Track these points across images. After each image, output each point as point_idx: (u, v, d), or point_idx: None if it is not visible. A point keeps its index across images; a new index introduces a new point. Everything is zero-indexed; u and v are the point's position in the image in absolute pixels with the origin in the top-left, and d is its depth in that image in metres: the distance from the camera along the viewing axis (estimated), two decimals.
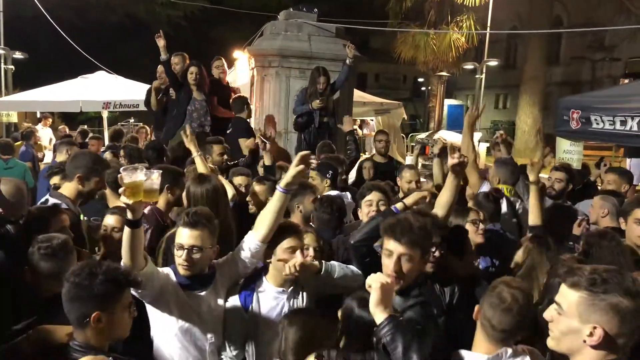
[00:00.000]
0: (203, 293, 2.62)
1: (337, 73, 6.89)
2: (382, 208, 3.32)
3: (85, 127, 12.82)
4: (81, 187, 3.53)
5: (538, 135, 22.13)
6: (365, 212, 3.41)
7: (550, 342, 1.73)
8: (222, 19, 24.79)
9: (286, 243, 2.65)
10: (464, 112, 29.89)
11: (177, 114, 6.63)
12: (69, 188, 3.56)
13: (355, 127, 16.63)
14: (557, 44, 28.07)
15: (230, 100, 6.76)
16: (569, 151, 6.74)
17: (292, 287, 2.71)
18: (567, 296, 1.65)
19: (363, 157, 7.00)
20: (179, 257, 2.54)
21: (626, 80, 16.96)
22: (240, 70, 9.85)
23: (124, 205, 2.35)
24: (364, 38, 28.37)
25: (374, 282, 1.94)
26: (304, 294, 2.75)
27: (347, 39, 7.84)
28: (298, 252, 2.63)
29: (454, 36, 18.99)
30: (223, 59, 7.56)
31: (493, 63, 19.75)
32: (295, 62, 7.34)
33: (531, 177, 3.72)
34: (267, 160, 4.98)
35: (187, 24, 26.82)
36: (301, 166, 2.58)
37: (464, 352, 2.17)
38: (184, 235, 2.53)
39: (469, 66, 19.85)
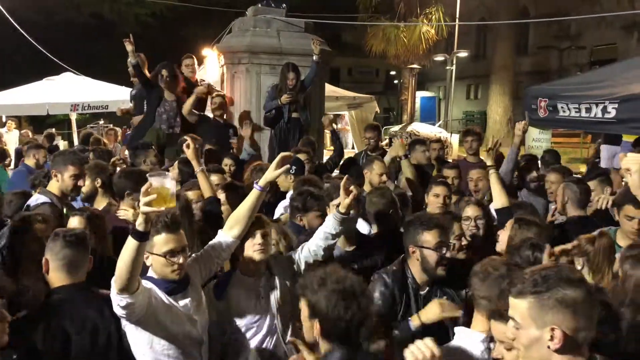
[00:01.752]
0: (187, 297, 2.57)
1: (307, 68, 6.88)
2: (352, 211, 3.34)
3: (53, 130, 12.50)
4: (57, 182, 3.76)
5: (509, 124, 22.49)
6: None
7: None
8: (191, 17, 24.46)
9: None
10: (436, 104, 30.29)
11: (149, 113, 6.54)
12: (52, 185, 3.80)
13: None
14: (525, 34, 28.52)
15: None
16: (538, 139, 6.91)
17: (264, 277, 2.81)
18: (518, 307, 1.63)
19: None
20: (175, 262, 2.45)
21: None
22: (209, 68, 9.74)
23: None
24: (335, 32, 28.34)
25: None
26: (278, 282, 2.83)
27: (316, 33, 7.82)
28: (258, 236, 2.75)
29: (423, 28, 19.11)
30: (193, 57, 7.48)
31: (463, 54, 19.95)
32: (265, 58, 7.29)
33: (488, 162, 3.77)
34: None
35: (155, 22, 26.40)
36: (283, 168, 2.70)
37: (463, 329, 2.30)
38: (172, 240, 2.45)
39: (439, 58, 20.02)
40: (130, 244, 2.17)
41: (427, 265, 2.77)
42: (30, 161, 5.98)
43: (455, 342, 2.28)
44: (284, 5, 7.78)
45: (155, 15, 26.33)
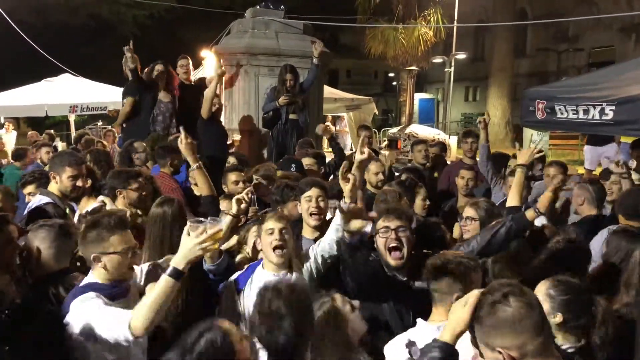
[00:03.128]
0: (129, 307, 2.32)
1: (306, 70, 6.89)
2: (322, 204, 3.36)
3: (52, 131, 12.49)
4: (56, 184, 3.76)
5: (508, 127, 22.51)
6: (305, 207, 3.37)
7: None
8: (190, 18, 24.47)
9: (265, 226, 2.84)
10: (434, 106, 30.32)
11: (144, 118, 6.54)
12: (52, 187, 3.81)
13: (328, 123, 16.72)
14: (523, 36, 28.55)
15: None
16: (535, 141, 6.94)
17: (285, 271, 2.81)
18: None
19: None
20: (126, 259, 2.45)
21: None
22: (208, 70, 9.74)
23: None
24: (334, 34, 28.41)
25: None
26: (296, 275, 2.83)
27: (315, 35, 7.84)
28: (276, 233, 2.80)
29: (422, 30, 19.13)
30: (188, 58, 7.45)
31: (461, 56, 19.98)
32: (264, 59, 7.30)
33: (522, 160, 3.67)
34: None
35: (153, 24, 26.39)
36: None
37: (420, 322, 2.39)
38: (127, 238, 2.47)
39: (437, 60, 20.03)
40: (169, 283, 2.09)
41: (381, 253, 2.85)
42: (45, 157, 6.08)
43: (414, 330, 2.36)
44: (283, 7, 7.81)
45: (153, 17, 26.32)
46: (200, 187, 3.75)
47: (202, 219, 2.22)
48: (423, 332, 2.24)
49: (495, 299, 1.61)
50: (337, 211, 2.88)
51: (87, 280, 2.46)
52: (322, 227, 3.25)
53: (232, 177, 4.36)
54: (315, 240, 3.16)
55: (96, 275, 2.45)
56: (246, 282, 2.82)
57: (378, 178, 4.64)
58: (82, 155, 4.44)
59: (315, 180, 3.66)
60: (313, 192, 3.37)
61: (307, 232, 3.39)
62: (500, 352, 1.57)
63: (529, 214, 2.91)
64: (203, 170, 3.68)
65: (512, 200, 3.49)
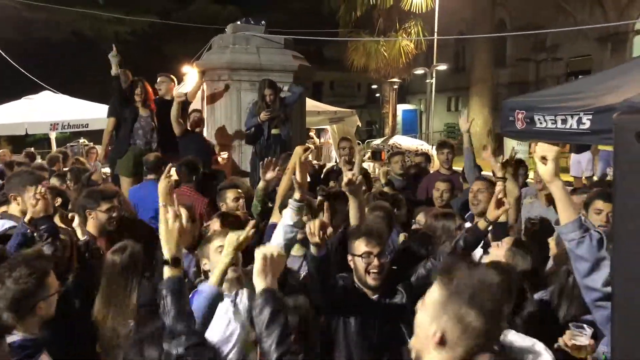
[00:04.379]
0: None
1: (287, 84, 6.92)
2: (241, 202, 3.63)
3: (32, 149, 12.32)
4: (17, 205, 3.61)
5: (489, 136, 22.77)
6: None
7: (412, 339, 1.68)
8: (171, 34, 24.51)
9: (216, 243, 2.75)
10: (417, 117, 30.57)
11: (124, 132, 6.51)
12: (13, 208, 3.66)
13: (312, 134, 16.75)
14: (502, 47, 28.98)
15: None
16: (516, 151, 7.00)
17: (236, 289, 2.75)
18: (432, 290, 1.63)
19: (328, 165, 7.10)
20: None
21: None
22: (190, 85, 9.72)
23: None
24: (317, 47, 28.59)
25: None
26: (245, 293, 2.78)
27: (297, 48, 7.87)
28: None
29: (403, 43, 19.35)
30: (165, 75, 7.41)
31: (442, 67, 20.24)
32: (245, 74, 7.31)
33: (500, 174, 3.79)
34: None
35: (135, 39, 26.36)
36: None
37: None
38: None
39: (419, 71, 20.28)
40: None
41: (358, 273, 2.85)
42: None
43: None
44: (264, 22, 7.83)
45: (135, 33, 26.30)
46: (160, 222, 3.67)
47: None
48: None
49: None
50: (285, 212, 2.94)
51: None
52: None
53: (230, 194, 4.32)
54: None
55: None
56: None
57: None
58: (42, 174, 4.35)
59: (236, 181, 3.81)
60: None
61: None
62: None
63: (481, 223, 2.95)
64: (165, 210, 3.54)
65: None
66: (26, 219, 3.06)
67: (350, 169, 4.31)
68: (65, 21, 25.02)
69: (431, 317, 1.55)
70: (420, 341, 1.58)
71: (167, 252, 2.08)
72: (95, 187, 4.36)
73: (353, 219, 3.23)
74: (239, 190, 4.36)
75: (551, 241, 3.53)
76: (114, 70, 6.43)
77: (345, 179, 3.16)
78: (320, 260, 2.67)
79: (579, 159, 7.75)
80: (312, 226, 2.59)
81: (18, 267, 2.28)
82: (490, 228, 3.70)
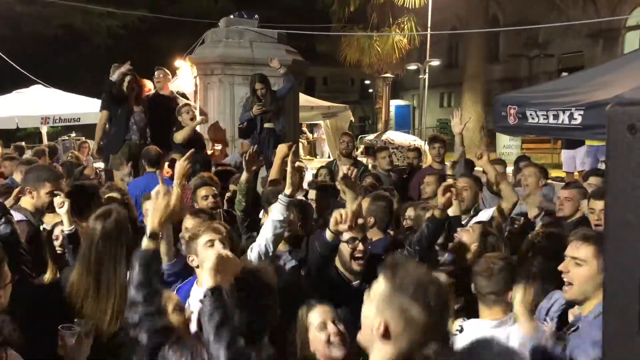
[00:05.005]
0: None
1: (281, 79, 6.90)
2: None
3: (23, 143, 12.23)
4: (32, 199, 3.59)
5: (482, 132, 22.84)
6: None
7: (359, 334, 1.69)
8: (164, 28, 24.32)
9: (204, 238, 2.67)
10: (410, 112, 30.61)
11: (118, 128, 6.48)
12: (26, 201, 3.63)
13: (305, 129, 16.76)
14: (495, 43, 29.07)
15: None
16: (509, 146, 7.06)
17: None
18: (378, 284, 1.63)
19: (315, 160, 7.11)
20: None
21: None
22: (183, 79, 9.69)
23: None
24: (310, 42, 28.52)
25: (217, 250, 1.96)
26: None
27: (290, 44, 7.87)
28: (217, 243, 2.57)
29: (396, 38, 19.34)
30: (163, 69, 7.42)
31: (435, 63, 20.23)
32: (238, 68, 7.30)
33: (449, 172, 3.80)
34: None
35: (127, 33, 26.16)
36: None
37: (471, 320, 2.49)
38: None
39: (412, 67, 20.26)
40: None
41: (343, 259, 2.92)
42: (17, 176, 5.69)
43: (467, 333, 2.42)
44: (257, 16, 7.82)
45: (127, 27, 26.09)
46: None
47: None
48: (479, 329, 2.37)
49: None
50: (274, 207, 2.96)
51: None
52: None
53: (202, 192, 4.20)
54: None
55: None
56: (185, 299, 2.69)
57: None
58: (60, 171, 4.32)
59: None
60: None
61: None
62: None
63: (436, 212, 3.06)
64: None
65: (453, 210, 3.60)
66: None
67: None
68: (57, 15, 24.79)
69: (376, 309, 1.57)
70: (366, 334, 1.60)
71: (149, 225, 2.12)
72: (85, 183, 4.32)
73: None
74: (212, 188, 4.27)
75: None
76: (113, 77, 6.37)
77: (340, 173, 3.17)
78: (333, 247, 2.76)
79: (573, 154, 7.79)
80: (343, 214, 2.66)
81: None
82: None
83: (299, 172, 3.12)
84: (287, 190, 2.95)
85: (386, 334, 1.54)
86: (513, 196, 4.04)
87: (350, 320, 2.72)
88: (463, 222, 3.92)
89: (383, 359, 1.57)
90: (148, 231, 2.11)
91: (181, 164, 3.29)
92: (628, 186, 1.20)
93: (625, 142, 1.17)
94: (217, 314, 1.77)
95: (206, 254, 2.46)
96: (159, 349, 1.91)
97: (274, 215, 2.93)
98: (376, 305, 1.58)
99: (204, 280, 1.89)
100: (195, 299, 2.44)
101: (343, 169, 3.21)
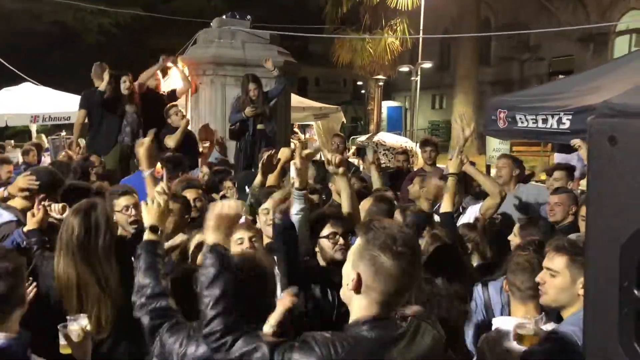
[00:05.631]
0: None
1: (273, 80, 6.90)
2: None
3: (12, 142, 12.16)
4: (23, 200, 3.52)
5: (473, 134, 22.93)
6: (263, 220, 3.32)
7: (341, 291, 1.76)
8: (156, 27, 24.23)
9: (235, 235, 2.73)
10: (402, 114, 30.69)
11: (109, 129, 6.45)
12: (17, 202, 3.53)
13: (297, 130, 16.75)
14: (487, 45, 29.21)
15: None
16: (498, 149, 7.12)
17: None
18: (355, 242, 1.73)
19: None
20: None
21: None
22: (174, 79, 9.65)
23: None
24: (302, 43, 28.53)
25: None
26: None
27: (283, 44, 7.87)
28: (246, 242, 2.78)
29: (388, 40, 19.40)
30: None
31: (427, 65, 20.29)
32: (230, 69, 7.29)
33: (451, 170, 3.83)
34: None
35: (119, 32, 26.04)
36: None
37: (503, 318, 2.54)
38: None
39: (404, 69, 20.31)
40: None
41: (325, 253, 2.91)
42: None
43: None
44: (249, 17, 7.81)
45: (119, 25, 25.97)
46: (147, 187, 3.29)
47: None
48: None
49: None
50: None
51: None
52: None
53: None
54: None
55: None
56: None
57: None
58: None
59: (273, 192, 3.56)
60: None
61: None
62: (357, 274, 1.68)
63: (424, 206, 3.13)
64: (151, 178, 3.31)
65: (445, 207, 3.64)
66: (25, 229, 2.93)
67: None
68: (48, 12, 24.62)
69: (352, 265, 1.67)
70: (345, 290, 1.69)
71: (146, 221, 2.23)
72: (71, 183, 4.28)
73: (344, 204, 3.21)
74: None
75: (512, 237, 3.62)
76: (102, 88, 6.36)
77: (326, 162, 3.15)
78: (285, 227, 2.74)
79: (567, 158, 7.79)
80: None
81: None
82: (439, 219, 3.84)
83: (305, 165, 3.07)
84: (297, 184, 2.93)
85: (358, 284, 1.62)
86: (498, 193, 4.04)
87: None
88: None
89: (359, 310, 1.64)
90: (147, 225, 2.20)
91: (139, 149, 3.36)
92: (609, 195, 1.23)
93: (606, 152, 1.20)
94: (212, 270, 1.81)
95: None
96: (158, 328, 1.96)
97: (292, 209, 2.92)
98: (352, 261, 1.67)
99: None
100: None
101: (326, 156, 3.21)
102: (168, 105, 6.69)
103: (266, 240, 3.27)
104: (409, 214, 3.55)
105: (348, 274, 1.68)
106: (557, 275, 2.26)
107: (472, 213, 4.27)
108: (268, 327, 2.10)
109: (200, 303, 1.80)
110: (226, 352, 1.69)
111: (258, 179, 3.94)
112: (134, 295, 2.06)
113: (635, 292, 1.18)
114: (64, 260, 2.59)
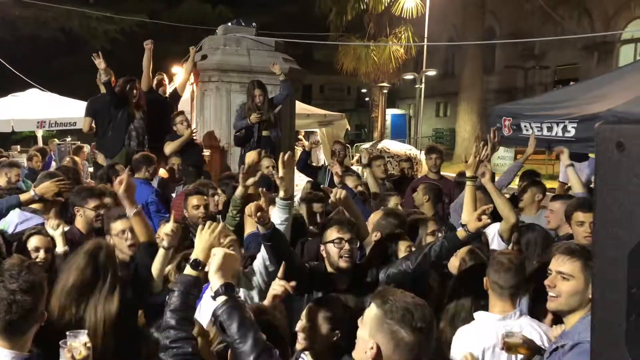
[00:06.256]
0: None
1: (277, 87, 6.92)
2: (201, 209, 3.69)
3: (19, 147, 12.23)
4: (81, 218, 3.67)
5: (477, 142, 22.90)
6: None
7: (353, 352, 1.87)
8: (161, 34, 24.36)
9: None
10: (406, 122, 30.72)
11: (117, 134, 6.47)
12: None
13: (301, 137, 16.78)
14: (491, 54, 29.27)
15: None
16: (503, 157, 7.14)
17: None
18: (370, 310, 1.82)
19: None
20: None
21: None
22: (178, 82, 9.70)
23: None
24: (307, 50, 28.64)
25: (219, 250, 2.02)
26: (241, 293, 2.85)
27: (287, 52, 7.90)
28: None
29: (393, 48, 19.45)
30: (163, 74, 7.46)
31: (431, 73, 20.33)
32: (235, 76, 7.31)
33: (468, 173, 3.71)
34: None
35: (124, 38, 26.19)
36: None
37: (481, 313, 2.66)
38: None
39: (408, 76, 20.35)
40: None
41: (331, 259, 2.95)
42: (1, 180, 5.65)
43: (474, 323, 2.64)
44: (254, 24, 7.85)
45: (124, 32, 26.13)
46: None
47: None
48: (487, 323, 2.57)
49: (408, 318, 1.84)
50: (273, 212, 3.01)
51: None
52: None
53: (193, 200, 4.06)
54: None
55: None
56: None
57: (358, 190, 4.83)
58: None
59: None
60: None
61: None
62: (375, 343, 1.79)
63: (460, 233, 2.94)
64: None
65: (466, 217, 3.40)
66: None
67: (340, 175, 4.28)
68: (54, 19, 24.80)
69: (369, 333, 1.77)
70: (360, 354, 1.80)
71: (194, 254, 2.17)
72: (84, 186, 4.35)
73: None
74: (204, 197, 4.12)
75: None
76: (103, 77, 6.33)
77: (332, 198, 3.29)
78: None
79: (579, 166, 7.72)
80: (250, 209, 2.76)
81: (22, 275, 2.03)
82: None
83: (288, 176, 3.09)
84: (282, 193, 2.99)
85: (378, 355, 1.73)
86: (511, 217, 3.70)
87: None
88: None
89: None
90: (192, 258, 2.14)
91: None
92: (616, 202, 1.23)
93: (614, 159, 1.19)
94: (235, 315, 1.84)
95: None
96: None
97: (274, 219, 2.95)
98: (369, 329, 1.78)
99: (211, 281, 1.95)
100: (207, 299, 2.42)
101: (333, 194, 3.30)
102: (175, 113, 6.70)
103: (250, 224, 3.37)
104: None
105: (364, 340, 1.78)
106: (571, 279, 2.25)
107: (493, 230, 3.93)
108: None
109: (235, 350, 1.83)
110: None
111: (239, 190, 3.83)
112: (161, 333, 2.05)
113: None
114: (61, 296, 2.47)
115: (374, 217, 3.71)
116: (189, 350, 1.98)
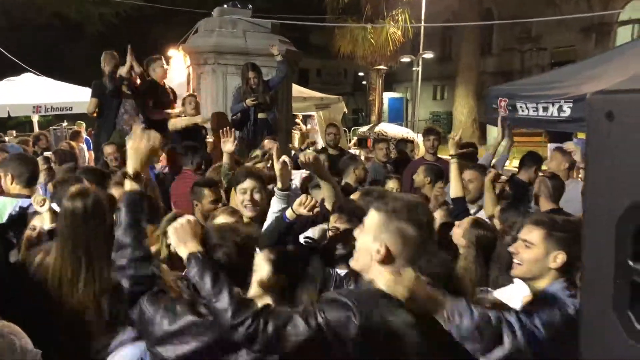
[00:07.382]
0: None
1: (274, 69, 6.90)
2: (257, 196, 3.19)
3: (14, 132, 12.19)
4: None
5: (474, 125, 22.93)
6: (240, 199, 3.22)
7: (351, 262, 1.95)
8: (157, 17, 24.14)
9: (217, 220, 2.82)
10: (403, 105, 30.66)
11: (108, 117, 6.46)
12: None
13: (298, 121, 16.76)
14: (489, 36, 29.09)
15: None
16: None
17: None
18: (370, 216, 1.88)
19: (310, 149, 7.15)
20: None
21: None
22: (175, 69, 9.66)
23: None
24: (303, 34, 28.43)
25: (171, 227, 1.97)
26: None
27: (284, 34, 7.86)
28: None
29: (390, 30, 19.34)
30: (163, 59, 7.39)
31: (428, 55, 20.23)
32: (231, 58, 7.29)
33: (451, 151, 3.93)
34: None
35: (120, 22, 25.93)
36: None
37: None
38: None
39: (405, 59, 20.26)
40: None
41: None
42: None
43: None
44: (250, 6, 7.82)
45: (120, 15, 25.86)
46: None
47: None
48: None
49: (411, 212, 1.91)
50: (272, 202, 2.98)
51: None
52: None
53: (208, 194, 3.70)
54: None
55: None
56: None
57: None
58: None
59: (251, 170, 3.54)
60: (248, 184, 3.22)
61: None
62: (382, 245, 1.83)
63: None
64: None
65: (455, 191, 3.75)
66: None
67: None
68: (49, 2, 24.51)
69: (373, 238, 1.82)
70: (362, 261, 1.87)
71: (130, 167, 2.09)
72: (91, 166, 4.32)
73: (327, 201, 3.13)
74: (218, 191, 3.84)
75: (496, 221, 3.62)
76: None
77: (301, 158, 3.11)
78: (289, 225, 2.78)
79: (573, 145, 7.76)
80: (306, 199, 2.72)
81: None
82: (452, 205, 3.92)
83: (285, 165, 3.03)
84: (279, 184, 2.94)
85: (387, 256, 1.79)
86: (491, 208, 3.82)
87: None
88: (472, 212, 3.87)
89: (386, 279, 1.81)
90: (130, 172, 2.08)
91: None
92: (606, 170, 1.26)
93: (604, 128, 1.22)
94: (208, 275, 1.82)
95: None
96: (139, 296, 1.92)
97: (273, 208, 2.94)
98: (372, 234, 1.83)
99: (180, 254, 1.92)
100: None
101: (300, 156, 3.22)
102: (186, 94, 6.68)
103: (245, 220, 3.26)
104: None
105: (368, 246, 1.82)
106: (532, 247, 2.28)
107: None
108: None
109: (212, 308, 1.81)
110: (263, 333, 1.70)
111: (225, 157, 4.01)
112: (114, 253, 1.98)
113: (630, 263, 1.21)
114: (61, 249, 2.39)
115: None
116: (144, 272, 1.92)
